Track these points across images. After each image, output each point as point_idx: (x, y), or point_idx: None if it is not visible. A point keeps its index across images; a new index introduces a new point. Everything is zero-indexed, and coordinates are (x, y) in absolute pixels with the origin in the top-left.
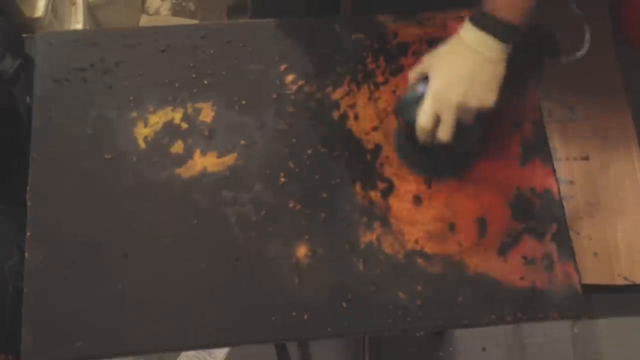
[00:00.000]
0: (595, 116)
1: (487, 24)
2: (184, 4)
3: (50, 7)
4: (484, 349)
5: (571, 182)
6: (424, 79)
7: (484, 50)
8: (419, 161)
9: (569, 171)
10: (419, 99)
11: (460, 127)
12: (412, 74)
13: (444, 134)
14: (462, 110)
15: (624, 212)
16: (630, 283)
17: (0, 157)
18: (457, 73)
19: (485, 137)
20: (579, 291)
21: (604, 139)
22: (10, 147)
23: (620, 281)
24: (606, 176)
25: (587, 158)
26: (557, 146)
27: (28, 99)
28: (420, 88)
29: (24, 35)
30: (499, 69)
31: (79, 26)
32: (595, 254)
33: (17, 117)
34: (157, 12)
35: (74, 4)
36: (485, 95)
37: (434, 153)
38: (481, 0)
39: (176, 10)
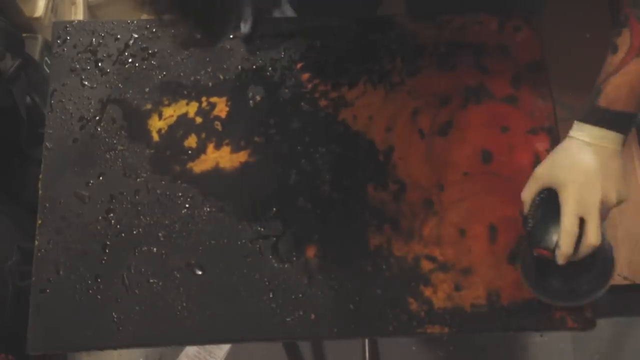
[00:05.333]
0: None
1: (603, 118)
2: None
3: (50, 6)
4: (483, 349)
5: None
6: (541, 198)
7: (606, 145)
8: (557, 290)
9: None
10: (547, 217)
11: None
12: (528, 194)
13: (593, 235)
14: (603, 207)
15: (624, 211)
16: (630, 283)
17: (0, 157)
18: (588, 171)
19: (499, 144)
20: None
21: None
22: (10, 147)
23: (620, 281)
24: None
25: None
26: None
27: (28, 98)
28: (542, 204)
29: (24, 35)
30: (621, 159)
31: None
32: None
33: (17, 117)
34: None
35: (74, 3)
36: (621, 187)
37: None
38: (589, 99)
39: None
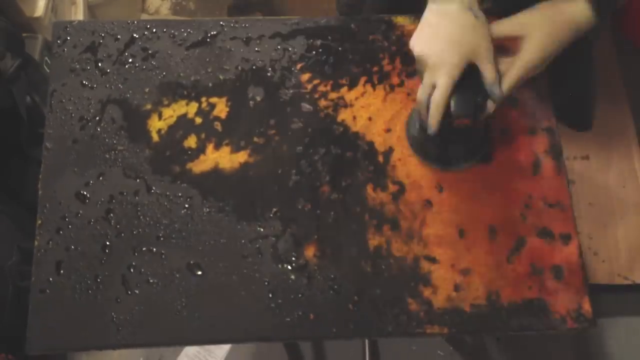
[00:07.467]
0: (595, 116)
1: None
2: (184, 3)
3: (50, 6)
4: (484, 348)
5: (571, 182)
6: None
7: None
8: (432, 152)
9: (569, 171)
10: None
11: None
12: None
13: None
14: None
15: (624, 211)
16: (630, 283)
17: (0, 157)
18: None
19: (499, 143)
20: (586, 304)
21: (604, 138)
22: (10, 147)
23: (620, 281)
24: (606, 176)
25: (587, 158)
26: None
27: (28, 98)
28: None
29: (24, 35)
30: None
31: None
32: (596, 254)
33: (17, 117)
34: (157, 12)
35: (74, 3)
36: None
37: (448, 142)
38: None
39: (176, 10)
